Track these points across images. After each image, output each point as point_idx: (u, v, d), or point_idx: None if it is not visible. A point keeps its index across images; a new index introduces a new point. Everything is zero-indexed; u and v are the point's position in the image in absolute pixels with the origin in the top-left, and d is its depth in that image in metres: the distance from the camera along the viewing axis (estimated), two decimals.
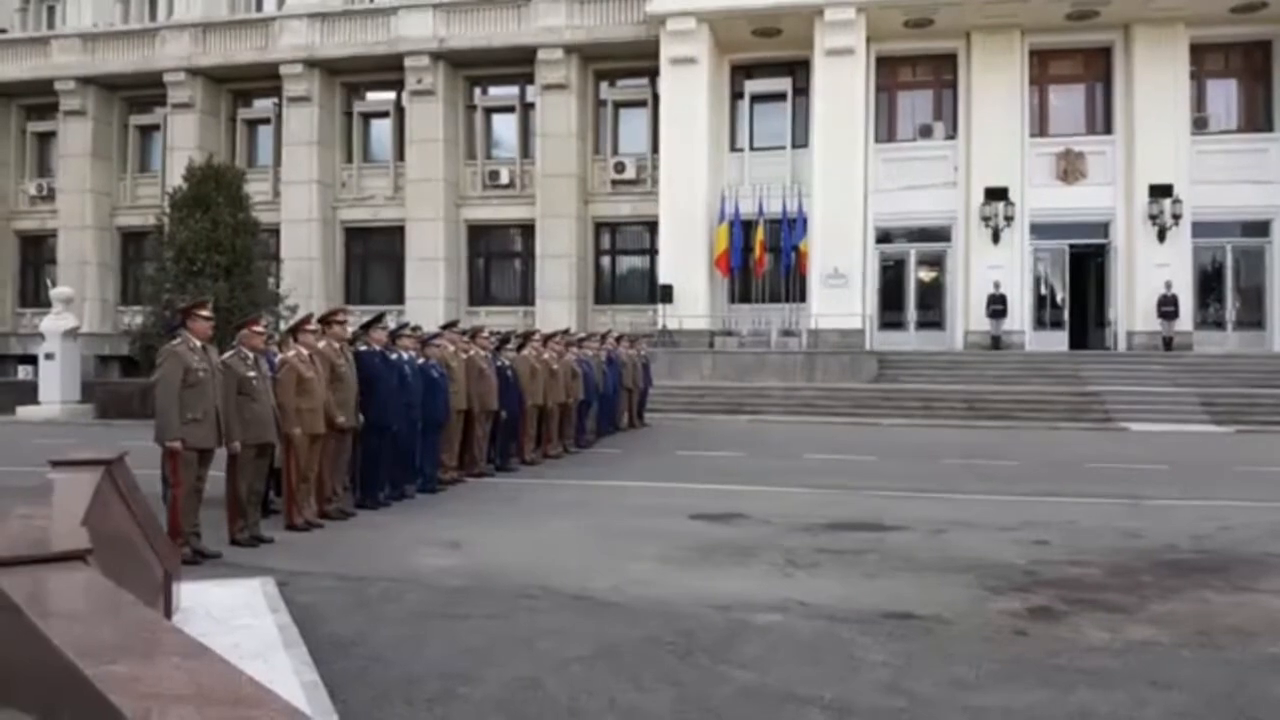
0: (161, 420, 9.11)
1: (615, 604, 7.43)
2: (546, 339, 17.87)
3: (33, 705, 2.76)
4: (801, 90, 32.38)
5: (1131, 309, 30.24)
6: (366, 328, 12.50)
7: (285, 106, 35.67)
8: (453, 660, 6.05)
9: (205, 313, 9.50)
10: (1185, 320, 29.67)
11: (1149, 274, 29.76)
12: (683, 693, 5.48)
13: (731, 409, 26.15)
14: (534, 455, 16.53)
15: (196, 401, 9.10)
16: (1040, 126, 31.73)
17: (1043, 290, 31.77)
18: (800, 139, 32.31)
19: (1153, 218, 29.69)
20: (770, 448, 19.03)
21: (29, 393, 28.71)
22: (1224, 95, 31.57)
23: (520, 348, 16.55)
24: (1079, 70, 32.09)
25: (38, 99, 38.62)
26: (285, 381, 10.33)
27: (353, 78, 36.11)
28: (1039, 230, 31.07)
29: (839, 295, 30.18)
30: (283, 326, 20.01)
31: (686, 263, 31.10)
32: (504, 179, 34.69)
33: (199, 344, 9.33)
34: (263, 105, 37.34)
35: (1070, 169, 30.94)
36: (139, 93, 37.90)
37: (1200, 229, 29.97)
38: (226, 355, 9.86)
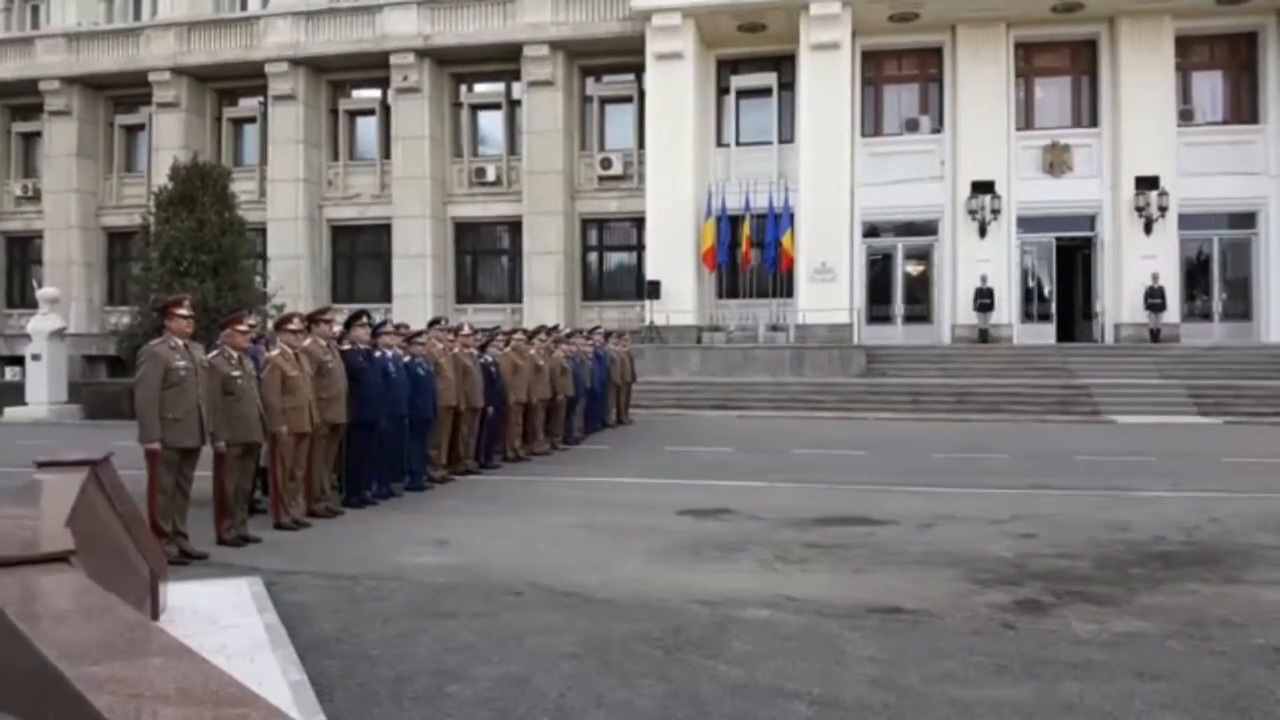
0: (141, 421, 9.08)
1: (603, 600, 7.43)
2: (530, 335, 17.85)
3: (16, 707, 2.75)
4: (787, 85, 32.43)
5: (1119, 301, 30.31)
6: (348, 325, 12.47)
7: (271, 105, 35.60)
8: (441, 658, 6.04)
9: (183, 310, 9.44)
10: (1172, 312, 29.75)
11: (1136, 266, 29.83)
12: (671, 689, 5.47)
13: (719, 404, 26.16)
14: (520, 451, 16.53)
15: (178, 401, 9.06)
16: (1026, 119, 31.78)
17: (1030, 283, 31.82)
18: (786, 134, 32.36)
19: (1139, 210, 29.75)
20: (758, 443, 19.04)
21: (16, 394, 28.63)
22: (1210, 87, 31.67)
23: (506, 345, 16.53)
24: (1065, 63, 32.16)
25: (22, 99, 38.48)
26: (270, 380, 10.31)
27: (338, 75, 36.05)
28: (1026, 223, 31.13)
29: (826, 290, 30.22)
30: (270, 325, 19.97)
31: (674, 258, 31.09)
32: (490, 176, 34.66)
33: (180, 342, 9.29)
34: (248, 104, 37.23)
35: (1057, 162, 31.00)
36: (124, 92, 37.80)
37: (1187, 221, 30.04)
38: (211, 354, 9.83)
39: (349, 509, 11.63)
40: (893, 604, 7.28)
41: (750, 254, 31.43)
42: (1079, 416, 23.89)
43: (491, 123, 35.94)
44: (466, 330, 15.54)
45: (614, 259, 35.31)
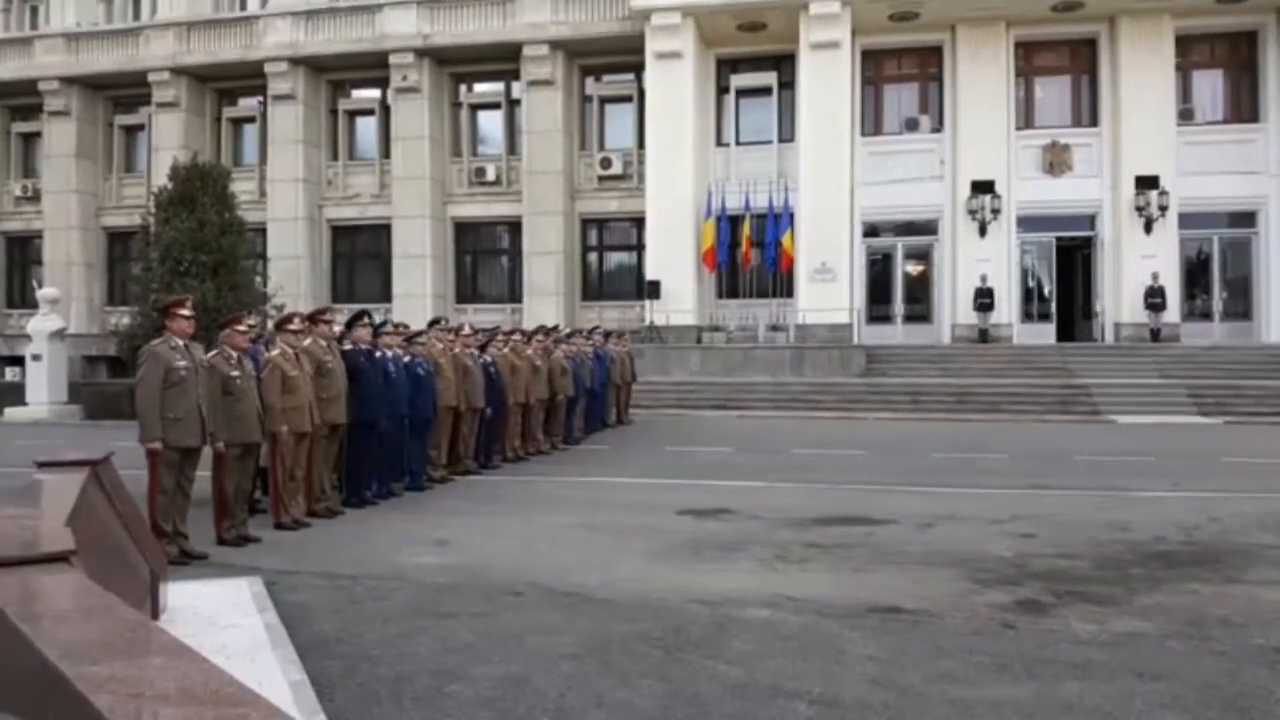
0: (142, 421, 9.09)
1: (603, 600, 7.43)
2: (529, 336, 17.84)
3: (17, 706, 2.75)
4: (787, 84, 32.43)
5: (1119, 301, 30.31)
6: (349, 325, 12.48)
7: (270, 105, 35.60)
8: (441, 658, 6.04)
9: (185, 311, 9.46)
10: (1172, 312, 29.74)
11: (1136, 266, 29.82)
12: (671, 689, 5.47)
13: (719, 404, 26.15)
14: (519, 451, 16.53)
15: (178, 400, 9.07)
16: (1026, 119, 31.77)
17: (1030, 283, 31.81)
18: (786, 133, 32.36)
19: (1139, 209, 29.74)
20: (758, 443, 19.03)
21: (16, 394, 28.63)
22: (1210, 86, 31.67)
23: (505, 345, 16.53)
24: (1064, 62, 32.16)
25: (22, 99, 38.50)
26: (270, 380, 10.31)
27: (338, 75, 36.04)
28: (1026, 223, 31.13)
29: (826, 290, 30.21)
30: (270, 325, 19.97)
31: (674, 258, 31.08)
32: (490, 176, 34.67)
33: (181, 343, 9.30)
34: (248, 104, 37.23)
35: (1056, 161, 30.99)
36: (123, 92, 37.81)
37: (1187, 220, 30.03)
38: (210, 355, 9.83)
39: (349, 509, 11.63)
40: (893, 604, 7.28)
41: (750, 254, 31.42)
42: (1079, 416, 23.88)
43: (491, 122, 35.95)
44: (467, 330, 15.54)
45: (614, 259, 35.30)
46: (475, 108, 35.86)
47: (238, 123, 37.69)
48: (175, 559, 8.60)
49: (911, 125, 32.10)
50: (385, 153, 35.41)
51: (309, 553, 9.32)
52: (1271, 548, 9.33)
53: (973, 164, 30.87)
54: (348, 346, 12.04)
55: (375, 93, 35.97)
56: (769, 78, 32.88)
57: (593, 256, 35.19)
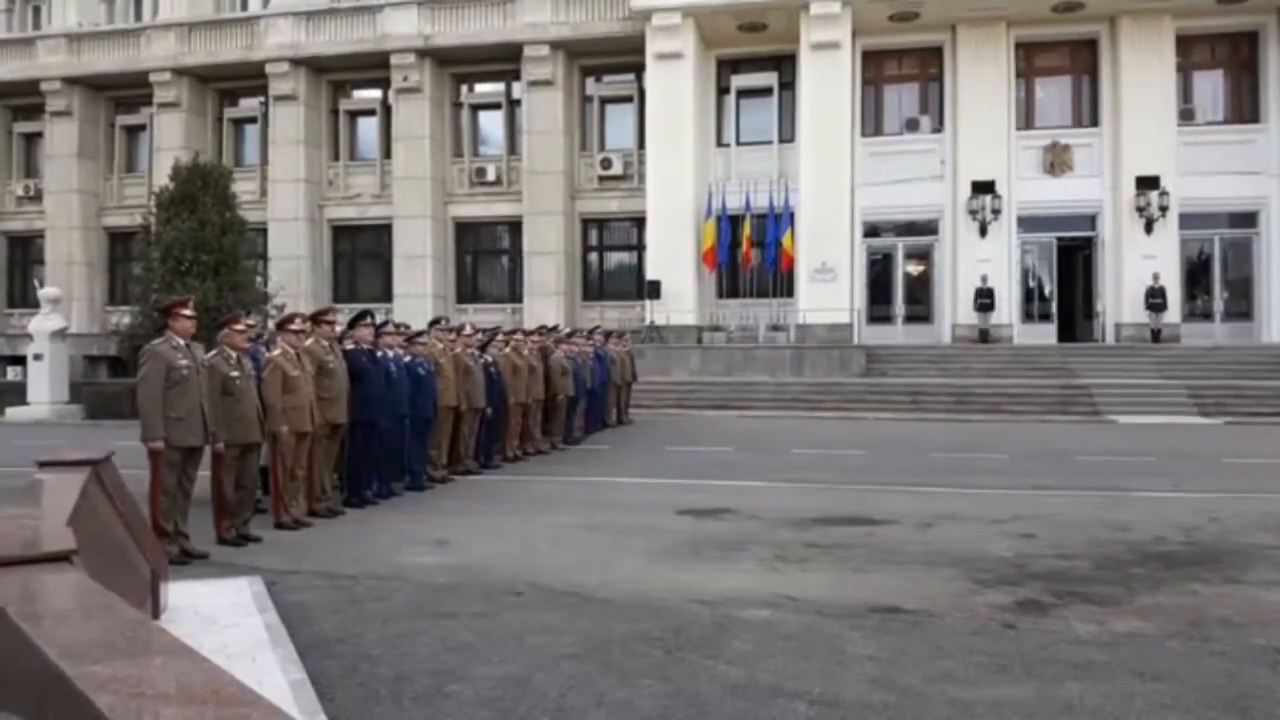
0: (144, 420, 9.09)
1: (603, 600, 7.43)
2: (527, 335, 17.83)
3: (18, 706, 2.76)
4: (788, 85, 32.43)
5: (1119, 301, 30.29)
6: (352, 325, 12.50)
7: (271, 105, 35.60)
8: (441, 658, 6.04)
9: (187, 311, 9.47)
10: (1173, 312, 29.73)
11: (1136, 266, 29.81)
12: (671, 689, 5.47)
13: (720, 404, 26.13)
14: (518, 451, 16.54)
15: (180, 400, 9.08)
16: (1027, 119, 31.76)
17: (1030, 283, 31.80)
18: (787, 134, 32.36)
19: (1140, 209, 29.73)
20: (758, 443, 19.03)
21: (18, 394, 28.64)
22: (1210, 86, 31.64)
23: (506, 345, 16.54)
24: (1065, 62, 32.14)
25: (24, 99, 38.50)
26: (271, 380, 10.32)
27: (339, 76, 36.05)
28: (1026, 223, 31.12)
29: (826, 290, 30.19)
30: (270, 325, 19.98)
31: (674, 258, 31.07)
32: (491, 176, 34.66)
33: (182, 342, 9.31)
34: (249, 104, 37.23)
35: (1057, 161, 30.98)
36: (125, 93, 37.82)
37: (1187, 220, 30.01)
38: (210, 355, 9.83)
39: (349, 509, 11.64)
40: (893, 604, 7.28)
41: (750, 254, 31.41)
42: (1079, 416, 23.86)
43: (492, 123, 35.95)
44: (468, 330, 15.54)
45: (614, 259, 35.30)
46: (476, 108, 35.86)
47: (239, 123, 37.70)
48: (176, 558, 8.61)
49: (912, 125, 32.10)
50: (386, 153, 35.41)
51: (309, 552, 9.33)
52: (1272, 548, 9.33)
53: (973, 164, 30.87)
54: (349, 346, 12.05)
55: (376, 93, 35.98)
56: (769, 78, 32.88)
57: (593, 256, 35.19)
